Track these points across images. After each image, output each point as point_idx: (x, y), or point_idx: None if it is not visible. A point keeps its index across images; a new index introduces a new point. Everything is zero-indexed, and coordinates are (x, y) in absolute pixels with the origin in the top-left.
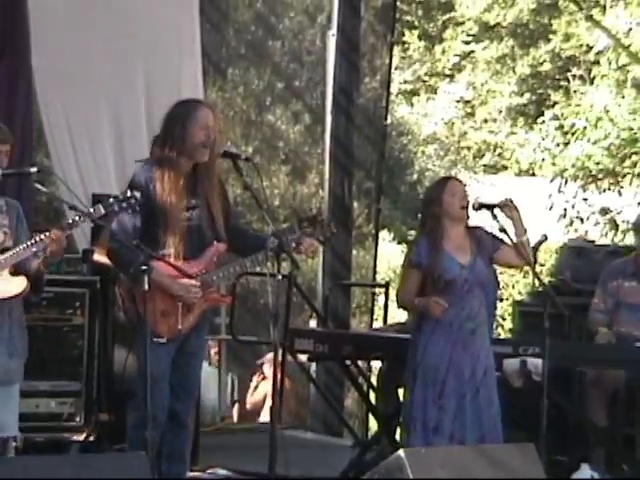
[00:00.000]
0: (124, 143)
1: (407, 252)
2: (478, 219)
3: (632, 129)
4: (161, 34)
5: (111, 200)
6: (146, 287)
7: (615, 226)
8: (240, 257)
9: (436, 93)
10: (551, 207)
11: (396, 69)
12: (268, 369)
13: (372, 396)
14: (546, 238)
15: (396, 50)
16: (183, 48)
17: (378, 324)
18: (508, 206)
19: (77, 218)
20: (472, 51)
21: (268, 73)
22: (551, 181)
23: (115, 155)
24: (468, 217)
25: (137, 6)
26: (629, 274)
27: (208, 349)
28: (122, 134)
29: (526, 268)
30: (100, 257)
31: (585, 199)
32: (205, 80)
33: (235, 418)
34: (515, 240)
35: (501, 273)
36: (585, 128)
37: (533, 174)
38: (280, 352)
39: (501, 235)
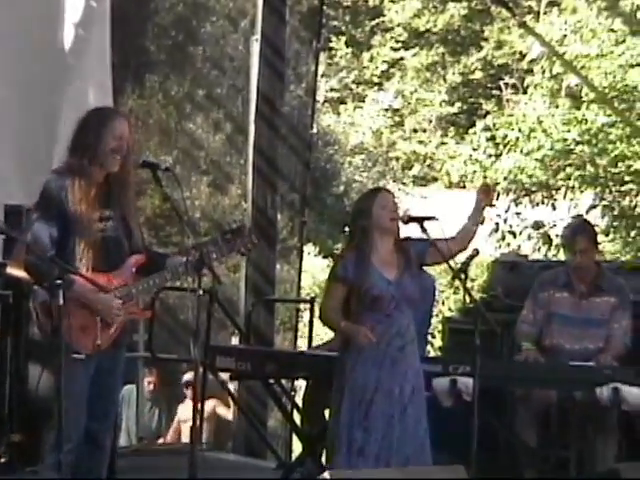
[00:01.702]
0: (28, 152)
1: (333, 266)
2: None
3: (566, 140)
4: (67, 38)
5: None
6: (61, 301)
7: (548, 241)
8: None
9: (364, 101)
10: (482, 221)
11: (322, 76)
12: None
13: (296, 417)
14: (477, 253)
15: (322, 57)
16: (92, 53)
17: (303, 341)
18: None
19: None
20: (401, 58)
21: (188, 80)
22: None
23: (18, 164)
24: (398, 230)
25: (42, 6)
26: (560, 285)
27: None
28: (25, 142)
29: (457, 283)
30: (14, 270)
31: (518, 213)
32: (122, 87)
33: (169, 438)
34: (471, 225)
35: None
36: (518, 139)
37: (464, 187)
38: (201, 370)
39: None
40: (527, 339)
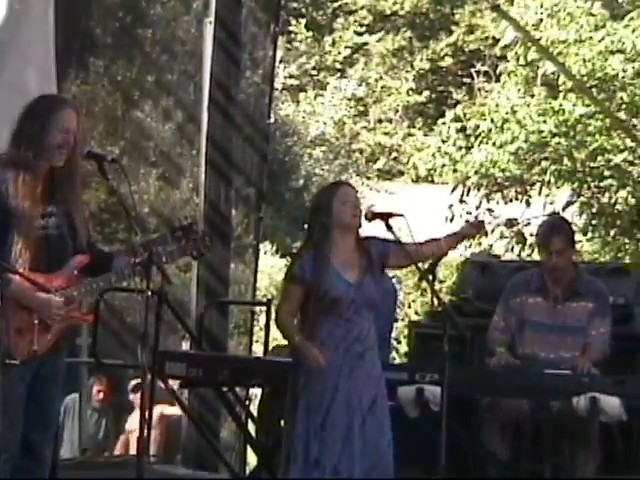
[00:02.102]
0: None
1: (289, 265)
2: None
3: (542, 132)
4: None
5: None
6: None
7: (522, 239)
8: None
9: (325, 89)
10: (452, 218)
11: (280, 62)
12: (135, 396)
13: (251, 427)
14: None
15: (281, 41)
16: (31, 31)
17: (258, 346)
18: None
19: None
20: (365, 43)
21: (136, 65)
22: (452, 190)
23: None
24: (360, 227)
25: None
26: (534, 289)
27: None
28: None
29: (424, 285)
30: None
31: (490, 210)
32: (65, 72)
33: (118, 450)
34: (444, 245)
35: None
36: (490, 131)
37: (432, 181)
38: (149, 377)
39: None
40: (500, 345)
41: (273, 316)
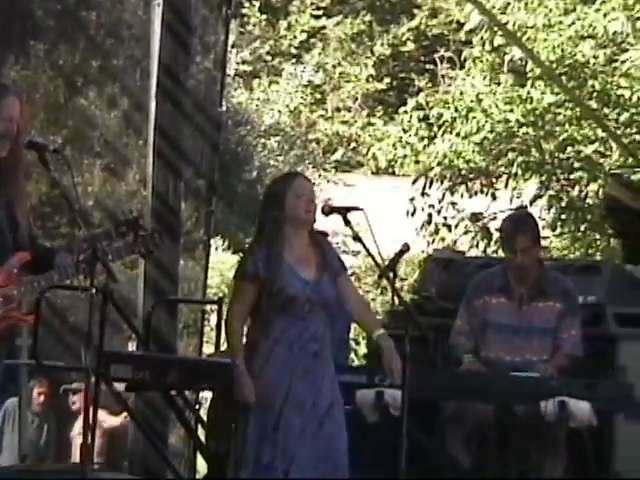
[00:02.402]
0: None
1: (241, 262)
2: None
3: (509, 122)
4: None
5: None
6: None
7: (488, 235)
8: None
9: (280, 76)
10: (413, 212)
11: (233, 47)
12: (79, 400)
13: (201, 432)
14: (408, 248)
15: (233, 24)
16: None
17: (209, 347)
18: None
19: None
20: (323, 27)
21: (80, 49)
22: (414, 182)
23: None
24: (315, 223)
25: None
26: (497, 289)
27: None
28: None
29: (384, 283)
30: None
31: (453, 203)
32: (3, 56)
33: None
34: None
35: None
36: (454, 120)
37: (393, 173)
38: (93, 380)
39: (355, 243)
40: (467, 352)
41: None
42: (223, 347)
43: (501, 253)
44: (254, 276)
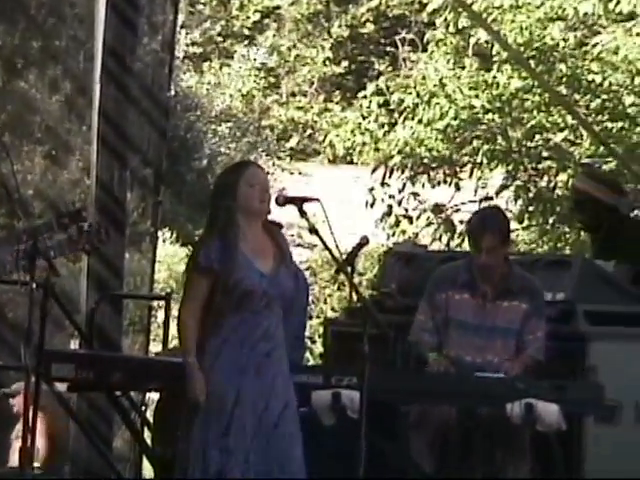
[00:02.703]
0: None
1: (192, 254)
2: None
3: (474, 108)
4: None
5: None
6: None
7: (451, 227)
8: None
9: (232, 58)
10: (373, 203)
11: (182, 28)
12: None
13: (147, 435)
14: (367, 241)
15: (182, 4)
16: None
17: (156, 346)
18: None
19: None
20: (277, 7)
21: (20, 29)
22: (373, 171)
23: None
24: (269, 214)
25: None
26: (460, 284)
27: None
28: None
29: (341, 277)
30: None
31: (415, 194)
32: None
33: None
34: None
35: (310, 285)
36: (416, 106)
37: (351, 161)
38: (33, 380)
39: (311, 236)
40: (432, 350)
41: (174, 312)
42: (171, 345)
43: (466, 246)
44: (207, 269)
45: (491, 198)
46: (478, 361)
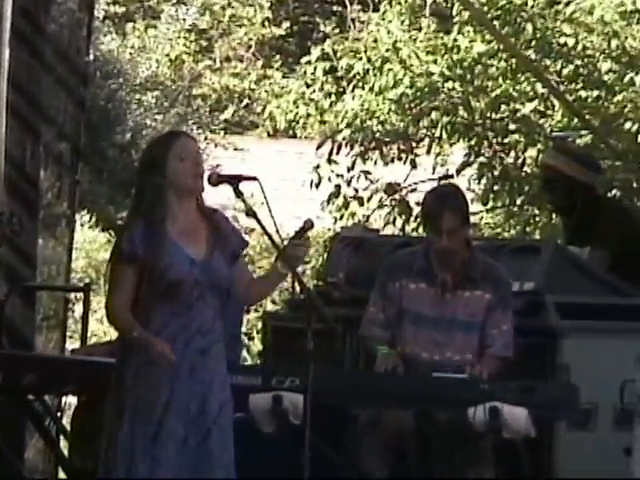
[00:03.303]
0: None
1: (117, 240)
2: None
3: (432, 75)
4: None
5: None
6: None
7: (407, 209)
8: None
9: (159, 19)
10: (318, 183)
11: None
12: None
13: (63, 444)
14: (311, 225)
15: None
16: None
17: (74, 342)
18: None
19: None
20: None
21: None
22: (318, 146)
23: None
24: (203, 191)
25: None
26: (416, 272)
27: None
28: None
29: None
30: None
31: (366, 172)
32: None
33: None
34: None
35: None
36: (366, 72)
37: (294, 135)
38: None
39: (249, 219)
40: (382, 344)
41: (93, 305)
42: (90, 342)
43: (422, 232)
44: (132, 256)
45: (451, 176)
46: (436, 358)
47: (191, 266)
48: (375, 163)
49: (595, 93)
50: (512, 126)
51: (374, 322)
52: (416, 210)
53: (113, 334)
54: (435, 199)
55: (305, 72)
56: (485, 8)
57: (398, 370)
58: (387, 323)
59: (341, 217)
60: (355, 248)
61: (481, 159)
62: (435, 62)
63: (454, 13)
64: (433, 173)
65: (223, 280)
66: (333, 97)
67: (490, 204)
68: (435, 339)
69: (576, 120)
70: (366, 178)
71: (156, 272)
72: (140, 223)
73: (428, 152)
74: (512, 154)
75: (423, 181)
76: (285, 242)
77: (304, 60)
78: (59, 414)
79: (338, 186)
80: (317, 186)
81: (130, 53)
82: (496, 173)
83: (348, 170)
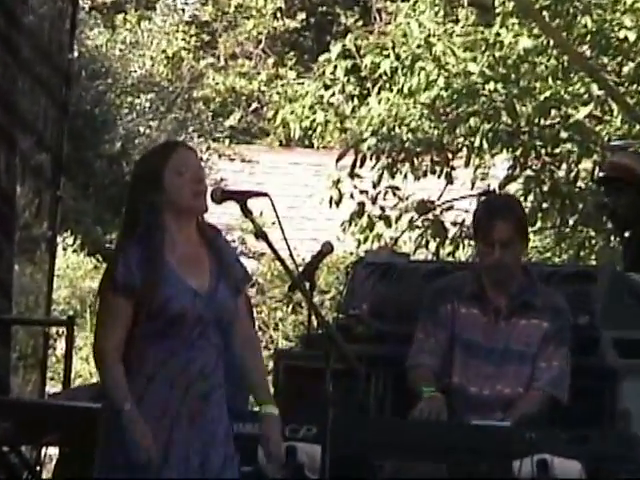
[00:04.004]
0: None
1: (108, 267)
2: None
3: (470, 75)
4: None
5: None
6: None
7: (442, 231)
8: None
9: (154, 10)
10: (338, 201)
11: None
12: None
13: None
14: (331, 249)
15: None
16: None
17: (55, 385)
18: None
19: None
20: None
21: None
22: (339, 158)
23: None
24: (206, 211)
25: None
26: (468, 295)
27: None
28: None
29: (297, 296)
30: None
31: (394, 188)
32: None
33: None
34: None
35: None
36: (394, 72)
37: (310, 145)
38: None
39: (258, 242)
40: (426, 380)
41: (77, 341)
42: (75, 384)
43: (460, 255)
44: (128, 286)
45: (493, 192)
46: (485, 393)
47: (194, 299)
48: (405, 177)
49: None
50: (563, 134)
51: (422, 349)
52: (452, 231)
53: None
54: (486, 207)
55: (323, 72)
56: None
57: (440, 418)
58: (438, 350)
59: (365, 240)
60: (381, 275)
61: (528, 172)
62: (474, 60)
63: (496, 3)
64: (472, 189)
65: (229, 314)
66: (356, 101)
67: (538, 224)
68: (486, 372)
69: (638, 127)
70: (394, 195)
71: (154, 306)
72: (135, 249)
73: (466, 165)
74: (564, 166)
75: (460, 198)
76: (300, 268)
77: (322, 58)
78: (38, 468)
79: (362, 204)
80: (337, 204)
81: (120, 49)
82: (545, 188)
83: (374, 186)
